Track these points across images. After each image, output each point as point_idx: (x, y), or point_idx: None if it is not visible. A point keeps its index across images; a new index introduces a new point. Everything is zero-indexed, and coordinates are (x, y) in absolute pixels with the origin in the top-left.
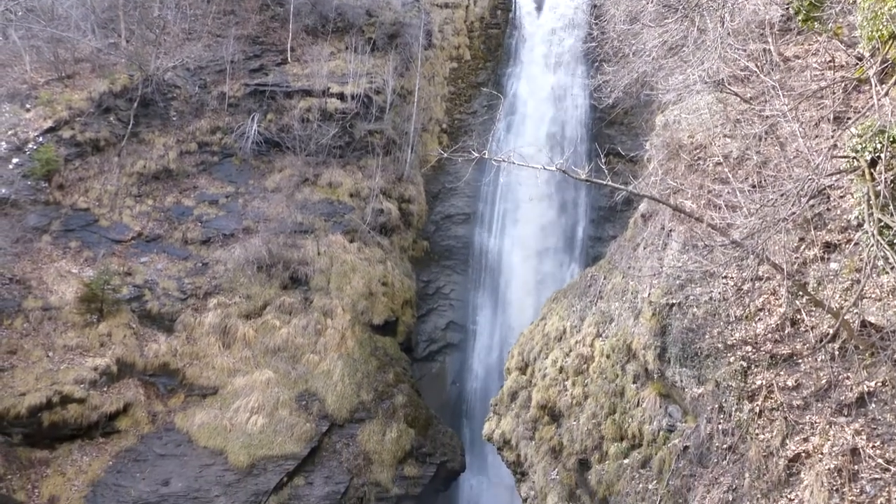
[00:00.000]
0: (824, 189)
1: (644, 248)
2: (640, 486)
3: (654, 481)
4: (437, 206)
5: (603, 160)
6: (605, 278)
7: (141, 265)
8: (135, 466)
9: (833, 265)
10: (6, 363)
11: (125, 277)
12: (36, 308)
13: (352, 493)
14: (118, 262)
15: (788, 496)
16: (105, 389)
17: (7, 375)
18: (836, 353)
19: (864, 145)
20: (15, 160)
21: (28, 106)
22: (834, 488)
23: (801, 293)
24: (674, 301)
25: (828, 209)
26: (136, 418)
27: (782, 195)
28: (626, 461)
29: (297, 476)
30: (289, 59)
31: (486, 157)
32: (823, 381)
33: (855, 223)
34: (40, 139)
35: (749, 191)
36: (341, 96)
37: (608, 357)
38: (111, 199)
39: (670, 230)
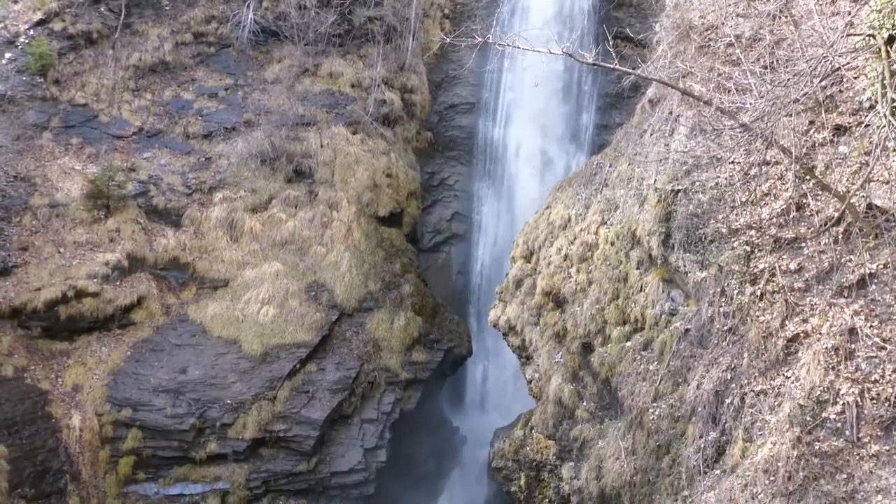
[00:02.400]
0: (838, 69)
1: (651, 135)
2: (642, 367)
3: (655, 362)
4: (441, 95)
5: (611, 44)
6: (610, 166)
7: (144, 161)
8: (152, 356)
9: (842, 148)
10: (19, 259)
11: (129, 173)
12: (43, 205)
13: (362, 378)
14: (121, 157)
15: (785, 374)
16: (118, 283)
17: (21, 271)
18: (840, 236)
19: (881, 22)
20: (7, 55)
21: None
22: (830, 366)
23: (808, 177)
24: (679, 187)
25: (840, 91)
26: (151, 310)
27: (795, 75)
28: (628, 344)
29: (309, 363)
30: None
31: (490, 41)
32: (825, 264)
33: (867, 105)
34: (31, 32)
35: (760, 72)
36: None
37: (612, 244)
38: (109, 94)
39: (678, 115)
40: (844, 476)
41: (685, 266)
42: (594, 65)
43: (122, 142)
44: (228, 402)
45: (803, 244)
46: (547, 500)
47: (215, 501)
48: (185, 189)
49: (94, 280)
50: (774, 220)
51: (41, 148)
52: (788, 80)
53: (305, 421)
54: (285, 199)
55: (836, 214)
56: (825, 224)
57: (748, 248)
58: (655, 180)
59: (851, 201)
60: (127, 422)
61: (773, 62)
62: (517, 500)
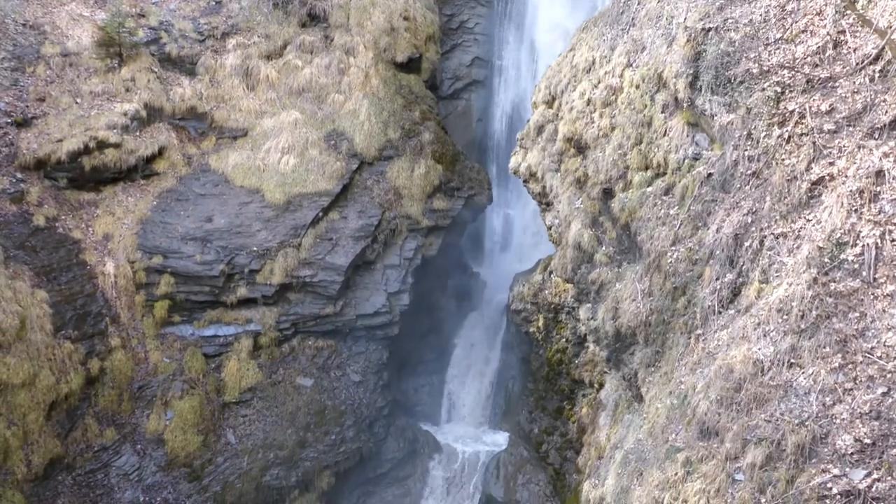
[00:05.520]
0: None
1: None
2: (662, 211)
3: (676, 207)
4: None
5: None
6: (638, 3)
7: (153, 6)
8: (178, 205)
9: None
10: (38, 111)
11: (139, 19)
12: (55, 54)
13: (384, 226)
14: (129, 2)
15: (807, 217)
16: (137, 134)
17: (41, 123)
18: (877, 74)
19: None
20: None
21: None
22: (853, 209)
23: (848, 11)
24: (711, 25)
25: None
26: (173, 161)
27: None
28: (649, 189)
29: (331, 211)
30: None
31: None
32: (858, 105)
33: None
34: None
35: None
36: None
37: (637, 87)
38: None
39: None
40: (857, 314)
41: (712, 109)
42: None
43: None
44: (255, 249)
45: (837, 84)
46: (564, 339)
47: (248, 342)
48: (197, 36)
49: (114, 131)
50: (809, 58)
51: None
52: None
53: (330, 267)
54: (300, 45)
55: (875, 51)
56: (862, 62)
57: (779, 90)
58: (686, 18)
59: (892, 37)
60: (158, 268)
61: None
62: (535, 340)
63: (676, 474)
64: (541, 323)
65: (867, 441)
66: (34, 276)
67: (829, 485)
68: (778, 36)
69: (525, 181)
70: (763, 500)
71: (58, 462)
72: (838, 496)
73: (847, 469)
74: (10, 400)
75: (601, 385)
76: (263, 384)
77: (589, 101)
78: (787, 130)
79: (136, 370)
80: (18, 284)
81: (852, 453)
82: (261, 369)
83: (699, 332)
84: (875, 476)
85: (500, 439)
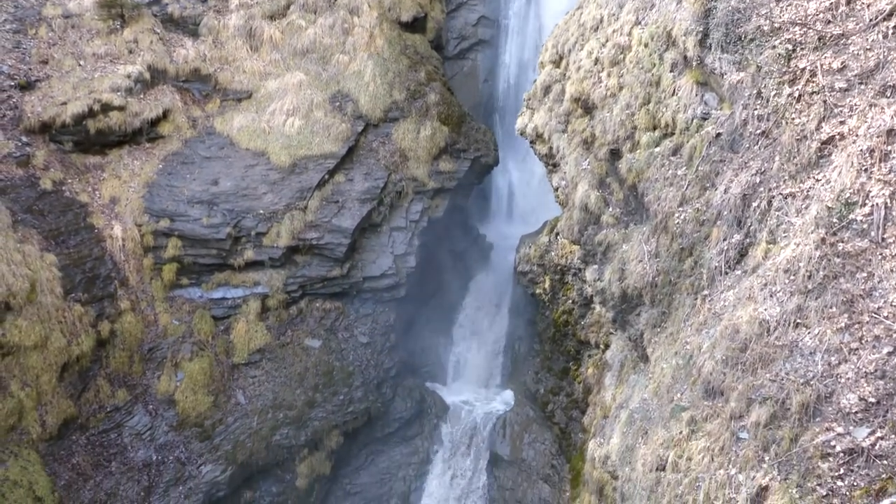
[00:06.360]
0: None
1: None
2: (670, 172)
3: (684, 167)
4: None
5: None
6: None
7: None
8: (184, 168)
9: None
10: (41, 73)
11: None
12: (57, 16)
13: (390, 188)
14: None
15: (816, 177)
16: (142, 97)
17: (45, 85)
18: (890, 31)
19: None
20: None
21: None
22: (863, 168)
23: None
24: None
25: None
26: (177, 123)
27: None
28: (657, 150)
29: (337, 173)
30: None
31: None
32: (871, 62)
33: None
34: None
35: None
36: None
37: (646, 46)
38: None
39: None
40: (864, 275)
41: (721, 67)
42: None
43: None
44: (261, 211)
45: (849, 41)
46: (570, 301)
47: (256, 304)
48: None
49: (118, 93)
50: (821, 14)
51: None
52: None
53: (336, 229)
54: (303, 5)
55: (889, 7)
56: (875, 18)
57: (790, 47)
58: None
59: None
60: (166, 231)
61: None
62: (541, 302)
63: (681, 433)
64: (547, 284)
65: (872, 400)
66: (42, 240)
67: (832, 443)
68: None
69: (532, 142)
70: (766, 458)
71: (71, 422)
72: (841, 454)
73: (851, 427)
74: (23, 362)
75: (607, 346)
76: (272, 346)
77: (597, 61)
78: (797, 89)
79: (146, 332)
80: (27, 248)
81: (856, 412)
82: (269, 331)
83: (705, 292)
84: (879, 434)
85: (507, 399)
